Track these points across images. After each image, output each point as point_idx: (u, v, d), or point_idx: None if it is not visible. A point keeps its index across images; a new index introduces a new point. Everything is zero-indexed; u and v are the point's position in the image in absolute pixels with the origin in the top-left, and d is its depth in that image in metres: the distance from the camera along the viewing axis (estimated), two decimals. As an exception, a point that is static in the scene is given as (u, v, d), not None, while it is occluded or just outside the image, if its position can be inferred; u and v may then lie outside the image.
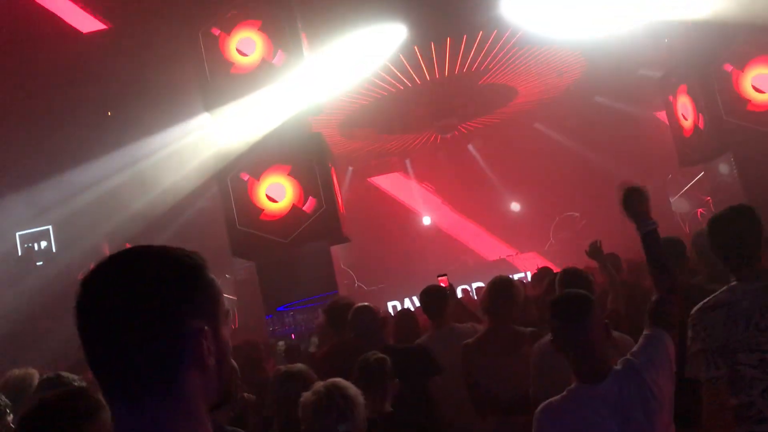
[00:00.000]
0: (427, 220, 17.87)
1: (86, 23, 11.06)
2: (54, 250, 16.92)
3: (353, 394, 2.84)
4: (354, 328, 4.65)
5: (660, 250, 2.63)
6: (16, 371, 4.09)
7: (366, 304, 4.96)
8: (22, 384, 3.87)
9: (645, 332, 2.58)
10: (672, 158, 12.10)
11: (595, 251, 5.06)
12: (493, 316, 4.36)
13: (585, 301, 2.44)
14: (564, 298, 2.50)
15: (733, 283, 2.77)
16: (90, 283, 1.10)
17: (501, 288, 4.41)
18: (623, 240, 5.19)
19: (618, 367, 2.44)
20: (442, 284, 6.04)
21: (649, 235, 2.63)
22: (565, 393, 2.44)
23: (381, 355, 3.72)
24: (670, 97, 10.87)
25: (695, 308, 2.82)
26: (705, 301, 2.81)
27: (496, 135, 16.69)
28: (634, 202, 2.65)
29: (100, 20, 11.00)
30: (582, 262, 6.32)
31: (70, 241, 16.52)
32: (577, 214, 16.77)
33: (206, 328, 1.11)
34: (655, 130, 14.15)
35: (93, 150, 13.53)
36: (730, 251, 2.77)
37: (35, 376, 3.93)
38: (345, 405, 2.77)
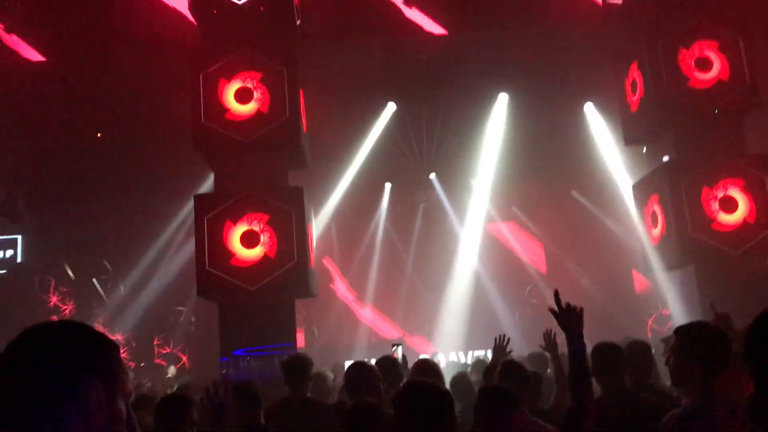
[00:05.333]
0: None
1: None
2: (19, 260, 16.78)
3: None
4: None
5: (585, 368, 2.84)
6: None
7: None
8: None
9: None
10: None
11: (551, 344, 5.23)
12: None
13: None
14: None
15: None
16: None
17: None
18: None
19: None
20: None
21: (579, 353, 2.84)
22: None
23: None
24: (640, 207, 11.30)
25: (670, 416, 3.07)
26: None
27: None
28: (573, 323, 2.86)
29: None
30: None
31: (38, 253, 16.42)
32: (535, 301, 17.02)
33: (98, 388, 1.29)
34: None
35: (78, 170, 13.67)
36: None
37: None
38: None
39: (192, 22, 10.95)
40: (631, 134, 11.43)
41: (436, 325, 16.06)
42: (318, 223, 13.16)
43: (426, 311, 16.43)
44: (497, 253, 17.02)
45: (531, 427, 3.61)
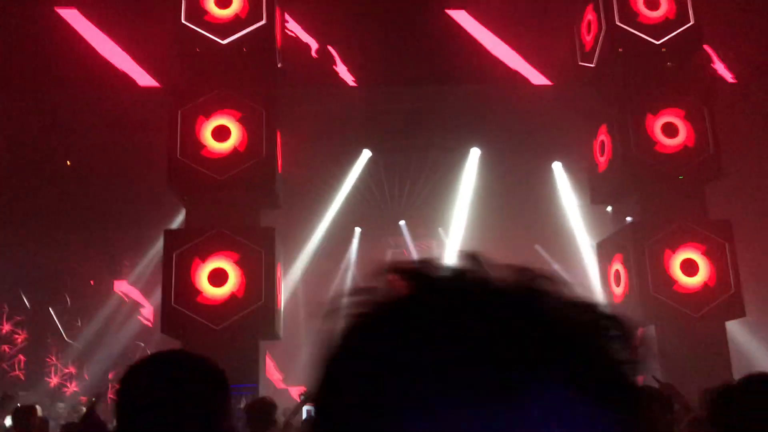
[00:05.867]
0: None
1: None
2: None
3: None
4: None
5: None
6: None
7: None
8: None
9: None
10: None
11: None
12: None
13: None
14: None
15: None
16: (141, 381, 1.36)
17: None
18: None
19: None
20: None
21: None
22: None
23: None
24: (604, 264, 11.56)
25: None
26: None
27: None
28: None
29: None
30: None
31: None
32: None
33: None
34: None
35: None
36: None
37: None
38: None
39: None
40: (597, 193, 11.75)
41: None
42: (286, 264, 13.13)
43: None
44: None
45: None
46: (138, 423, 1.33)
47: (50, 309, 16.73)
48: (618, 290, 11.02)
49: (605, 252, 11.51)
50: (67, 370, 16.77)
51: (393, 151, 12.94)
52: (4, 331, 16.58)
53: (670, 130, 10.58)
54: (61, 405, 14.05)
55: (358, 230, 15.96)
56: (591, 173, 11.87)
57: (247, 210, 10.52)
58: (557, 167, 13.89)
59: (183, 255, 9.92)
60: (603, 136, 11.41)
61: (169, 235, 10.21)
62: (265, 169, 10.35)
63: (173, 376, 1.37)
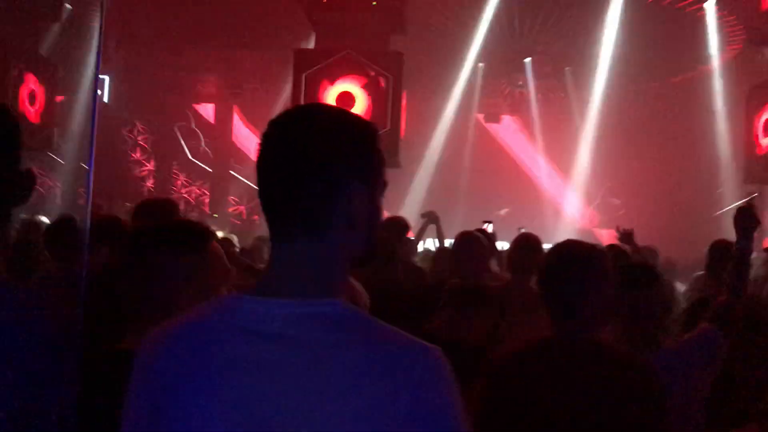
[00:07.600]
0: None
1: None
2: (106, 100, 17.06)
3: None
4: None
5: (748, 265, 2.76)
6: None
7: None
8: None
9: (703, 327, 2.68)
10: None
11: (626, 237, 5.32)
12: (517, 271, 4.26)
13: None
14: None
15: None
16: (286, 130, 1.22)
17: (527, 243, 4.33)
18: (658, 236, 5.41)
19: None
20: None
21: (745, 255, 2.73)
22: None
23: None
24: (753, 112, 10.71)
25: None
26: None
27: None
28: (747, 221, 2.75)
29: None
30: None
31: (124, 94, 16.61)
32: (618, 201, 16.83)
33: (361, 189, 1.20)
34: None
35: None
36: None
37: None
38: None
39: None
40: (758, 34, 10.64)
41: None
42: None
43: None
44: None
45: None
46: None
47: (175, 128, 17.41)
48: (765, 141, 10.27)
49: (758, 98, 10.60)
50: (191, 187, 17.78)
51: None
52: (136, 138, 17.53)
53: None
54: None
55: (481, 66, 15.33)
56: (752, 9, 10.69)
57: (375, 34, 10.20)
58: (709, 6, 12.52)
59: (312, 76, 9.86)
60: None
61: (300, 54, 10.11)
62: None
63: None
